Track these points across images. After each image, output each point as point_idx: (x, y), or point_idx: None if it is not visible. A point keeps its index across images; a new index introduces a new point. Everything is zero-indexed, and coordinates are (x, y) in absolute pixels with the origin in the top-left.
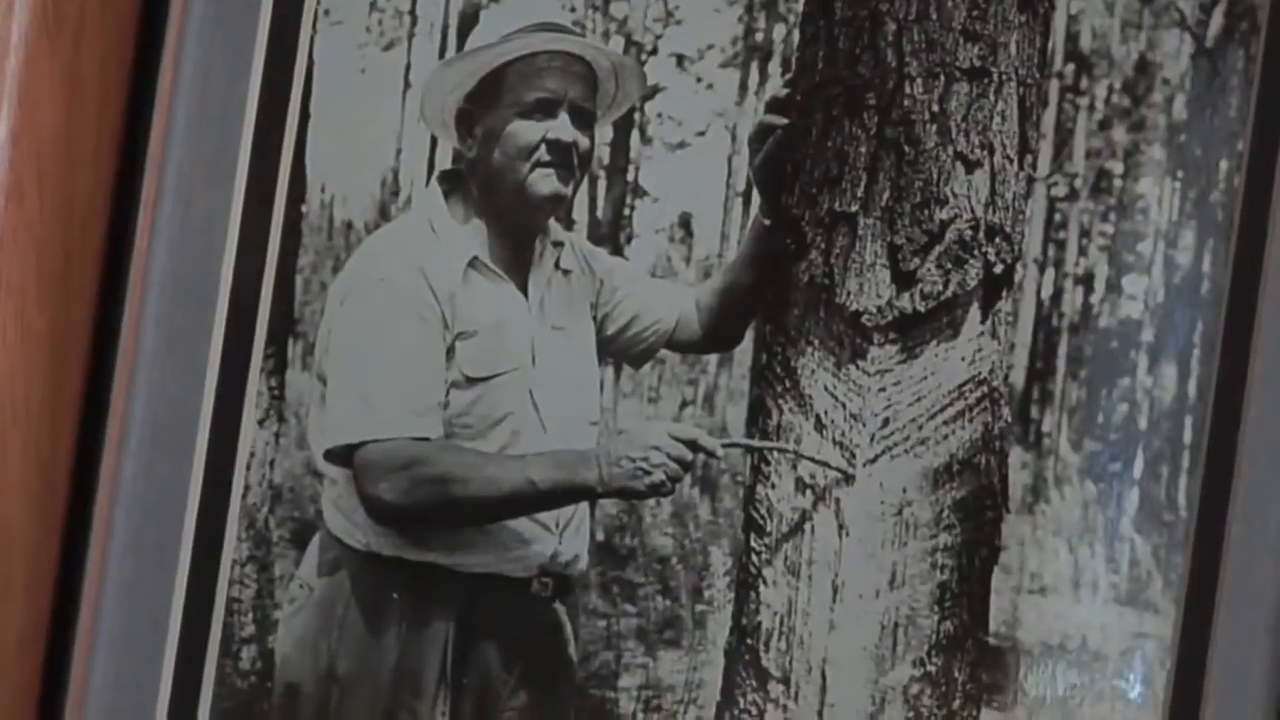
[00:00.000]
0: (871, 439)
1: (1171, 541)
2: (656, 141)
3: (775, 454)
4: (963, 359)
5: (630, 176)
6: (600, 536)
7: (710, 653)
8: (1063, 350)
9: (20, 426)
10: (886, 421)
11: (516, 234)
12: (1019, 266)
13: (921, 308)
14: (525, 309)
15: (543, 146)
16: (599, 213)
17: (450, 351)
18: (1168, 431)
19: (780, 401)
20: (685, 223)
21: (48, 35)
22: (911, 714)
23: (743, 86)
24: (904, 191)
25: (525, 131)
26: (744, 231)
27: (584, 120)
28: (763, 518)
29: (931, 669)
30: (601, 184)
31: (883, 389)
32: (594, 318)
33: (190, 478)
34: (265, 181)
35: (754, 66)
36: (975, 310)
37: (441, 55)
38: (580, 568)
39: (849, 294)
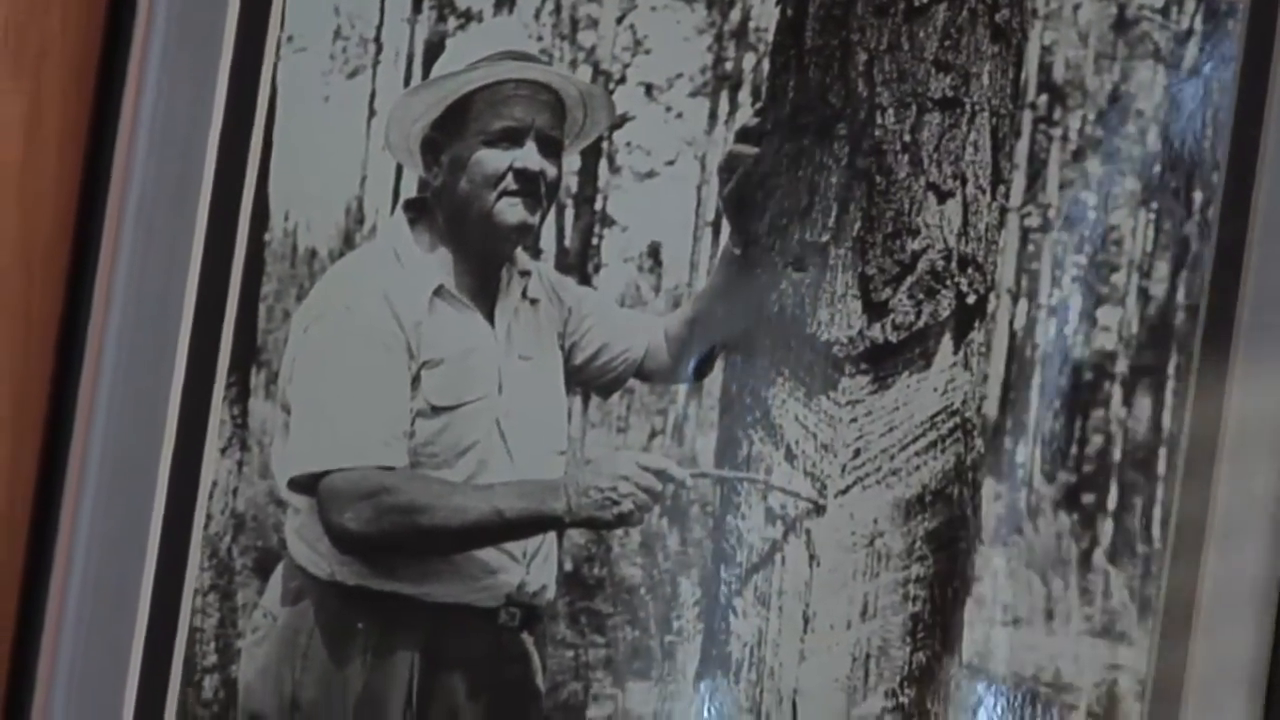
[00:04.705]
0: (843, 469)
1: (1146, 573)
2: (625, 170)
3: (745, 484)
4: (935, 389)
5: (598, 205)
6: (568, 566)
7: (680, 684)
8: (1036, 381)
9: None
10: (858, 452)
11: (483, 263)
12: (992, 297)
13: (893, 338)
14: (492, 338)
15: (509, 175)
16: (567, 242)
17: (416, 380)
18: (1142, 463)
19: (750, 432)
20: (654, 252)
21: (10, 68)
22: None
23: (712, 116)
24: (875, 222)
25: (491, 160)
26: (713, 261)
27: (551, 149)
28: (732, 548)
29: (904, 700)
30: (569, 213)
31: (854, 419)
32: (562, 347)
33: (152, 506)
34: (228, 209)
35: (723, 96)
36: (948, 341)
37: (407, 83)
38: (548, 598)
39: (820, 324)
